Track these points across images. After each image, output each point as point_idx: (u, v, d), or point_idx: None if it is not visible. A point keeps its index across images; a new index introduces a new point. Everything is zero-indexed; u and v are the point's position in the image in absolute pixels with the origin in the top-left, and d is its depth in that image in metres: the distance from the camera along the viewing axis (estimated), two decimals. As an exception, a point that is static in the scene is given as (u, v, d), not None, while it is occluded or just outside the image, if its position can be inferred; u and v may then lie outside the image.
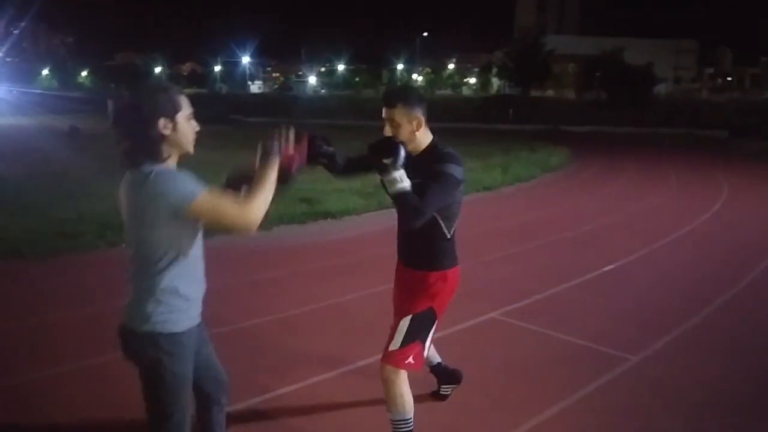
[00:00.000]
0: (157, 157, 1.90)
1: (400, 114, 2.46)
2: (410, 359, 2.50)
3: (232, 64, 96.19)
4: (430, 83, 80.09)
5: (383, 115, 2.52)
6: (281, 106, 62.36)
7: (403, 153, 2.39)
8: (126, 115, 1.92)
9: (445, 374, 3.21)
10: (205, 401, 2.24)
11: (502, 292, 5.12)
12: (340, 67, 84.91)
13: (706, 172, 14.87)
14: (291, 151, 2.17)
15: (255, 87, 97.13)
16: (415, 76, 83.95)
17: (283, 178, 2.11)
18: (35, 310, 4.55)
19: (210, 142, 23.03)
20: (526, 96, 53.94)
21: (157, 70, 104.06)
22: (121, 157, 1.92)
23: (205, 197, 1.85)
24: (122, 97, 2.01)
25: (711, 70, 75.56)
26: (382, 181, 2.56)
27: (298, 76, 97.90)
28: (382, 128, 2.55)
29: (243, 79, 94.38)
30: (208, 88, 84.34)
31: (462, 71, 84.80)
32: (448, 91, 75.66)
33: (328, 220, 8.35)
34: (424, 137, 2.54)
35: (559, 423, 3.07)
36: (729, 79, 75.68)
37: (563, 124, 35.58)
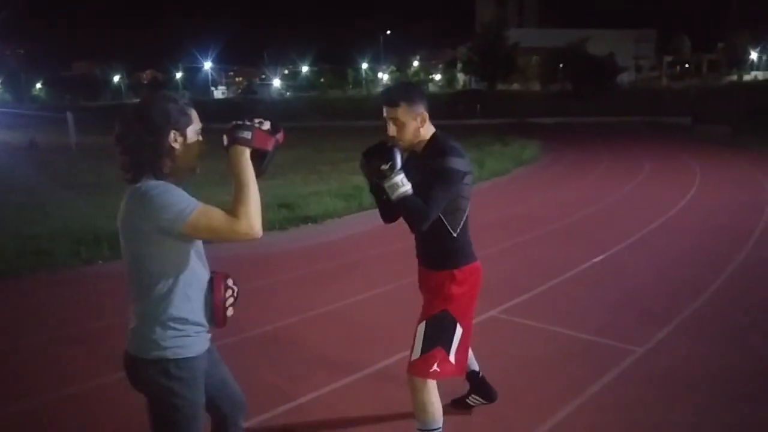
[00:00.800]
0: (158, 170, 1.80)
1: (404, 113, 2.38)
2: (435, 367, 2.38)
3: (193, 70, 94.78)
4: (394, 81, 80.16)
5: (384, 114, 2.41)
6: (245, 111, 61.23)
7: (399, 156, 2.30)
8: (134, 127, 1.79)
9: (479, 387, 3.08)
10: (221, 423, 2.13)
11: (498, 290, 5.04)
12: (304, 69, 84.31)
13: (677, 158, 15.18)
14: (263, 134, 1.84)
15: (218, 92, 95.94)
16: (380, 74, 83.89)
17: (259, 163, 1.83)
18: (11, 332, 4.36)
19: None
20: (493, 90, 54.44)
21: (116, 78, 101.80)
22: (122, 171, 1.81)
23: (197, 214, 1.73)
24: (127, 108, 1.84)
25: (670, 58, 77.29)
26: (372, 186, 2.48)
27: (262, 80, 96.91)
28: (383, 128, 2.44)
29: (206, 85, 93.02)
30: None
31: (427, 68, 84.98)
32: (413, 89, 75.58)
33: (309, 224, 8.20)
34: (427, 132, 2.46)
35: (577, 421, 3.00)
36: (687, 66, 77.51)
37: (531, 117, 36.01)
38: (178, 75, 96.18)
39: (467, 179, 2.39)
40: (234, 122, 1.82)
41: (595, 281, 5.30)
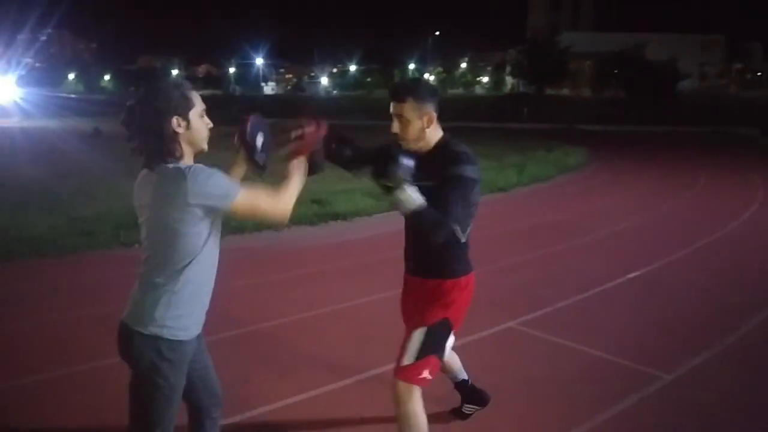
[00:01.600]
0: (171, 155, 1.85)
1: (409, 109, 2.24)
2: (426, 374, 2.26)
3: (246, 66, 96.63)
4: (441, 82, 79.58)
5: (391, 110, 2.27)
6: (294, 107, 62.60)
7: (407, 164, 2.13)
8: (138, 114, 1.85)
9: (470, 394, 2.95)
10: (197, 414, 2.15)
11: (519, 301, 4.79)
12: (352, 68, 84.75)
13: (739, 173, 14.30)
14: (318, 140, 2.18)
15: (268, 88, 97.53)
16: (426, 75, 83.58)
17: (312, 168, 2.16)
18: (51, 308, 4.51)
19: (224, 142, 23.39)
20: (541, 94, 53.36)
21: (174, 72, 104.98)
22: (136, 155, 1.87)
23: (243, 195, 1.86)
24: (134, 96, 1.90)
25: (740, 66, 73.46)
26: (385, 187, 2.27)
27: (311, 77, 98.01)
28: (389, 126, 2.27)
29: (257, 81, 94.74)
30: (223, 90, 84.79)
31: (475, 70, 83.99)
32: (460, 91, 74.99)
33: (339, 221, 8.09)
34: (434, 134, 2.31)
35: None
36: (759, 74, 73.34)
37: (579, 123, 35.05)
38: (231, 70, 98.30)
39: (478, 187, 2.29)
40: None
41: (627, 298, 4.96)
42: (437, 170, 2.20)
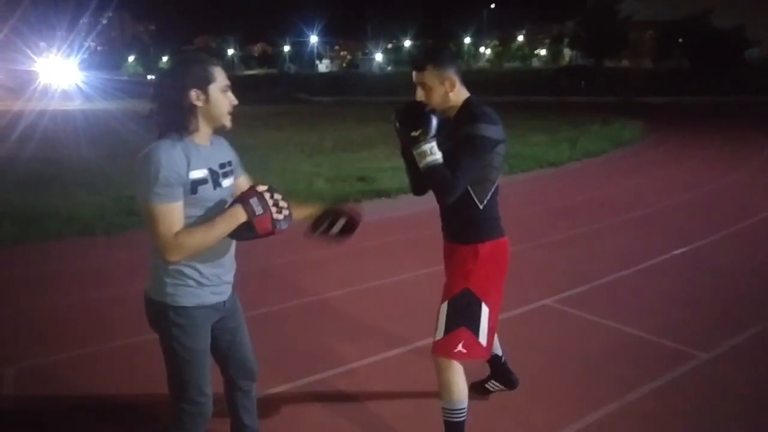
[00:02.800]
0: (183, 128, 1.86)
1: (431, 76, 2.24)
2: (459, 347, 2.27)
3: (300, 44, 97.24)
4: (497, 56, 77.63)
5: (413, 78, 2.29)
6: (347, 85, 62.75)
7: (435, 122, 2.17)
8: (159, 86, 1.89)
9: (500, 372, 2.94)
10: (227, 383, 2.26)
11: (559, 277, 4.75)
12: (407, 43, 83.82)
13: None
14: (269, 223, 1.84)
15: (323, 66, 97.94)
16: (482, 49, 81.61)
17: (240, 235, 1.86)
18: (98, 286, 4.73)
19: (275, 121, 23.52)
20: (600, 66, 51.33)
21: (230, 51, 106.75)
22: (155, 128, 1.89)
23: (153, 206, 1.77)
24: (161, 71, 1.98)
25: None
26: (404, 152, 2.35)
27: (365, 54, 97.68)
28: (413, 92, 2.30)
29: (311, 59, 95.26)
30: (277, 68, 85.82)
31: (532, 43, 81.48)
32: (517, 64, 73.00)
33: (383, 198, 8.16)
34: (458, 97, 2.29)
35: (607, 428, 2.74)
36: None
37: (640, 96, 33.61)
38: (286, 48, 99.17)
39: (500, 148, 2.22)
40: (260, 189, 1.84)
41: (670, 275, 4.82)
42: (456, 130, 2.22)
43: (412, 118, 2.18)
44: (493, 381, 2.96)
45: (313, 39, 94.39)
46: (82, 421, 2.88)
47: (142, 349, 3.30)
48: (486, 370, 2.97)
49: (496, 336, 2.69)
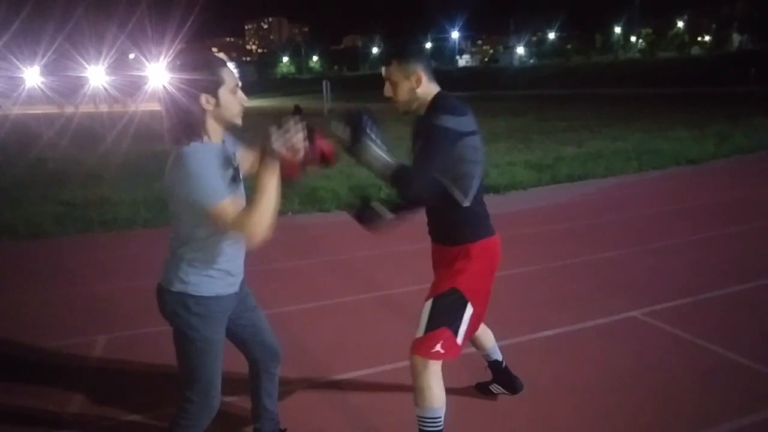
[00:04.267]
0: (196, 133, 1.87)
1: (396, 72, 2.21)
2: (438, 347, 2.16)
3: (442, 40, 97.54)
4: (650, 45, 71.48)
5: (383, 74, 2.25)
6: (485, 79, 61.68)
7: (364, 123, 2.05)
8: (170, 93, 1.90)
9: (502, 377, 2.86)
10: (253, 365, 2.31)
11: (655, 287, 4.20)
12: (551, 35, 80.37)
13: None
14: (297, 150, 1.87)
15: (462, 61, 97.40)
16: (633, 38, 75.72)
17: (287, 178, 1.90)
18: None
19: (405, 117, 24.16)
20: (778, 52, 45.09)
21: (375, 50, 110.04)
22: (166, 133, 1.91)
23: (216, 206, 1.80)
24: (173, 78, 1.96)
25: None
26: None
27: (507, 48, 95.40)
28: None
29: (452, 54, 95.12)
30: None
31: (694, 28, 73.72)
32: (673, 53, 66.49)
33: (491, 194, 7.86)
34: (426, 93, 2.22)
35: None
36: None
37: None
38: (428, 45, 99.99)
39: (469, 140, 2.13)
40: (272, 128, 1.83)
41: None
42: (422, 123, 2.16)
43: (344, 126, 2.09)
44: (495, 384, 2.86)
45: (455, 34, 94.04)
46: (158, 386, 3.08)
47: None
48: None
49: (494, 340, 2.74)
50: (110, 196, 7.92)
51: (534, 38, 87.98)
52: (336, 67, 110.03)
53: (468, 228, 2.25)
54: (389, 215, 2.33)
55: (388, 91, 2.24)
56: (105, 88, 54.78)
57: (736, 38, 60.95)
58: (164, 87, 1.89)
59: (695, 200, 7.22)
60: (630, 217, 6.48)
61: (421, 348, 2.18)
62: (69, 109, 37.68)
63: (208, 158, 1.84)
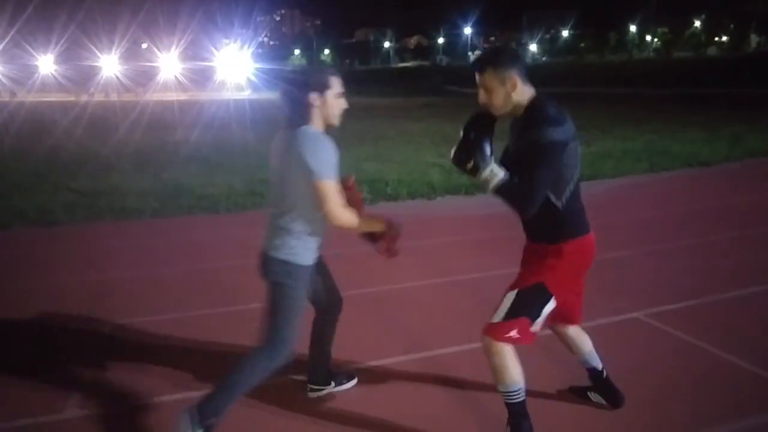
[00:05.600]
0: (308, 120, 2.32)
1: (491, 78, 2.28)
2: (513, 333, 2.28)
3: (455, 36, 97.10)
4: (665, 44, 70.73)
5: (477, 81, 2.31)
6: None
7: (486, 149, 2.25)
8: (289, 86, 2.36)
9: (603, 387, 2.76)
10: (320, 312, 2.75)
11: (659, 289, 4.20)
12: (565, 33, 79.77)
13: None
14: (391, 247, 2.51)
15: (474, 57, 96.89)
16: (648, 37, 74.97)
17: (371, 238, 2.53)
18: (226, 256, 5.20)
19: (417, 113, 23.78)
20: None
21: (386, 44, 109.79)
22: (283, 119, 2.36)
23: (327, 183, 2.25)
24: (290, 74, 2.46)
25: None
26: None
27: (519, 44, 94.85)
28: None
29: (465, 50, 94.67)
30: (429, 60, 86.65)
31: (712, 28, 72.83)
32: (689, 53, 65.71)
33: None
34: (522, 96, 2.29)
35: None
36: None
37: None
38: (440, 41, 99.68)
39: (570, 148, 2.19)
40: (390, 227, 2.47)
41: None
42: (524, 134, 2.22)
43: (463, 151, 2.28)
44: (592, 393, 2.81)
45: (467, 30, 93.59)
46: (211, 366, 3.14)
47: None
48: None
49: (591, 346, 2.71)
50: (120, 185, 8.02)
51: (547, 35, 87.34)
52: (347, 61, 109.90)
53: (564, 228, 2.31)
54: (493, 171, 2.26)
55: (483, 97, 2.31)
56: (117, 78, 55.08)
57: (754, 39, 60.23)
58: (287, 83, 2.36)
59: (704, 202, 7.18)
60: (637, 218, 6.46)
61: (496, 332, 2.28)
62: (83, 98, 37.94)
63: (327, 141, 2.28)
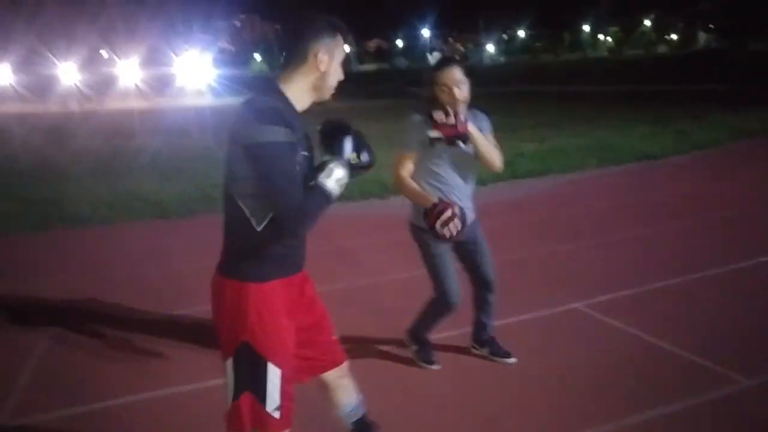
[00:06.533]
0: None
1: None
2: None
3: (413, 38, 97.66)
4: (618, 44, 72.70)
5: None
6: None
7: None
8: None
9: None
10: (475, 291, 3.06)
11: (600, 280, 4.31)
12: (521, 34, 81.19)
13: None
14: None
15: (433, 58, 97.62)
16: (601, 36, 76.93)
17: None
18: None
19: (376, 115, 23.61)
20: (742, 50, 46.22)
21: (346, 48, 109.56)
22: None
23: (398, 156, 2.87)
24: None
25: None
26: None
27: (476, 45, 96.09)
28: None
29: (423, 52, 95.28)
30: (389, 63, 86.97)
31: (661, 27, 75.13)
32: (640, 52, 67.63)
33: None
34: None
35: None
36: None
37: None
38: (399, 43, 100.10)
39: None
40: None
41: (730, 289, 4.11)
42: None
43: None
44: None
45: (425, 32, 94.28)
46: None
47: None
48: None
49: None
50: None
51: (504, 36, 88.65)
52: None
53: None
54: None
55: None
56: (77, 86, 53.56)
57: (702, 37, 62.42)
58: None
59: (648, 195, 7.39)
60: (583, 212, 6.61)
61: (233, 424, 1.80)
62: (74, 107, 36.63)
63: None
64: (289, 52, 1.77)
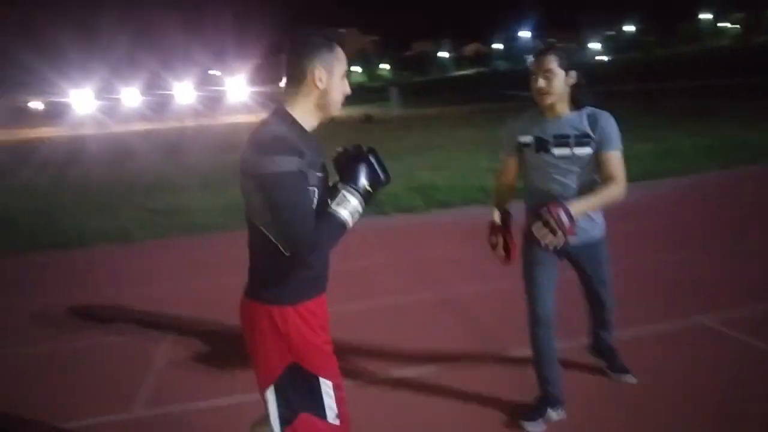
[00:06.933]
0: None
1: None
2: None
3: (511, 41, 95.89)
4: (746, 30, 66.57)
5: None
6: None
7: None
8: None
9: None
10: (591, 311, 2.87)
11: (733, 292, 3.90)
12: (629, 29, 76.86)
13: None
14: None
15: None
16: (727, 24, 70.76)
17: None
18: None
19: (475, 120, 23.43)
20: None
21: (444, 54, 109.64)
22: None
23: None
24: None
25: None
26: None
27: (579, 45, 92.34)
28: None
29: (522, 55, 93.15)
30: (489, 67, 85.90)
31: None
32: (772, 38, 61.21)
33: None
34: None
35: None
36: None
37: None
38: (499, 47, 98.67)
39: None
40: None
41: None
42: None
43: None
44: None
45: (525, 34, 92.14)
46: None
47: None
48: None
49: None
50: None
51: (610, 33, 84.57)
52: (405, 73, 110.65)
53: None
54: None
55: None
56: (192, 104, 58.01)
57: None
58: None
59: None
60: (707, 218, 6.08)
61: None
62: (190, 123, 39.59)
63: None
64: (288, 72, 1.73)
